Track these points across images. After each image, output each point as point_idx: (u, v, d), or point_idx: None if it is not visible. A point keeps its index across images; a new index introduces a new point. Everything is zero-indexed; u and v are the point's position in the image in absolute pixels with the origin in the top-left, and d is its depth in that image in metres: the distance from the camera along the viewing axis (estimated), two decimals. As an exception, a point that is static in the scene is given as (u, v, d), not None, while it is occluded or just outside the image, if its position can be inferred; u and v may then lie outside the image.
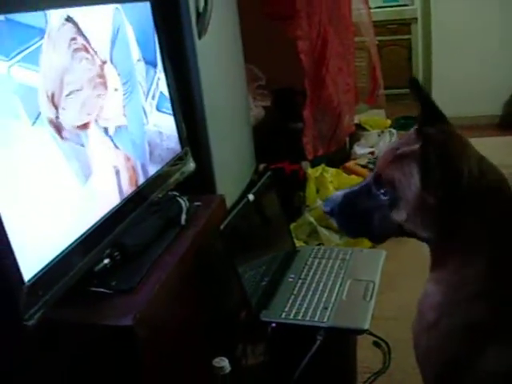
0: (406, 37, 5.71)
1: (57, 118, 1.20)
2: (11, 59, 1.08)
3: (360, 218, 1.19)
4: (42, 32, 1.17)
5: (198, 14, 1.93)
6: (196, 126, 1.99)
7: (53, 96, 1.20)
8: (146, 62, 1.64)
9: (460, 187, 1.02)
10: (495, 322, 1.05)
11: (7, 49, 1.07)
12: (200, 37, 1.94)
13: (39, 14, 1.17)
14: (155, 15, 1.69)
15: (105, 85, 1.41)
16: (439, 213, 1.05)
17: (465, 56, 4.66)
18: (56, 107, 1.20)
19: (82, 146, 1.31)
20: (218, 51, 2.19)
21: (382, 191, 1.12)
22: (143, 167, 1.60)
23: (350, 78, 3.33)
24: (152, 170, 1.65)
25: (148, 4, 1.66)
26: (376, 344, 2.06)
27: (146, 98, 1.64)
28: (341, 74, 3.13)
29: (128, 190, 1.50)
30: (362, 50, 3.98)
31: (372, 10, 4.64)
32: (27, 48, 1.12)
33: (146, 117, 1.64)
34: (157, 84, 1.70)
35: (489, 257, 1.05)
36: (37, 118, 1.14)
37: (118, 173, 1.46)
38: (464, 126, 4.58)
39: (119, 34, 1.49)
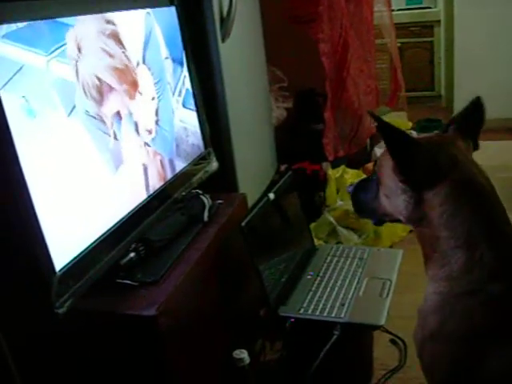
0: (429, 39, 5.69)
1: (92, 110, 1.29)
2: (50, 54, 1.16)
3: (362, 199, 1.38)
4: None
5: (222, 18, 1.98)
6: (219, 126, 2.03)
7: (88, 89, 1.28)
8: (173, 60, 1.71)
9: (420, 174, 1.11)
10: (496, 323, 1.07)
11: (46, 44, 1.15)
12: (224, 40, 1.98)
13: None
14: (180, 19, 1.75)
15: (137, 84, 1.48)
16: (407, 197, 1.16)
17: (488, 59, 4.65)
18: (92, 100, 1.29)
19: (116, 138, 1.38)
20: (240, 54, 2.23)
21: (375, 176, 1.28)
22: (170, 162, 1.67)
23: (371, 80, 3.35)
24: (178, 164, 1.72)
25: (173, 9, 1.72)
26: (393, 342, 2.09)
27: (173, 95, 1.71)
28: (362, 76, 3.15)
29: (155, 186, 1.57)
30: (384, 52, 3.99)
31: (395, 13, 4.65)
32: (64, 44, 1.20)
33: (173, 113, 1.70)
34: (183, 81, 1.77)
35: (468, 250, 1.08)
36: (72, 110, 1.22)
37: (146, 169, 1.53)
38: (486, 128, 4.60)
39: (151, 36, 1.57)
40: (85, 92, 1.26)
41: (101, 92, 1.32)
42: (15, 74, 1.07)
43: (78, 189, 1.24)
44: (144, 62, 1.53)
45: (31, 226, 1.08)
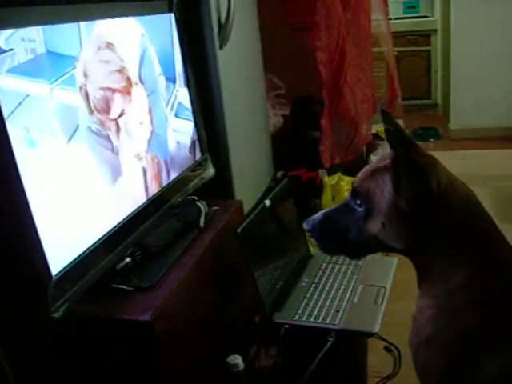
0: (426, 48, 5.74)
1: (94, 126, 1.31)
2: (52, 83, 1.18)
3: (337, 234, 1.22)
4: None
5: (220, 25, 1.99)
6: (216, 133, 2.04)
7: (97, 104, 1.31)
8: (166, 78, 1.72)
9: (430, 193, 1.07)
10: (490, 329, 1.08)
11: (49, 75, 1.18)
12: (221, 47, 1.99)
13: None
14: (178, 26, 1.76)
15: (131, 85, 1.50)
16: (412, 220, 1.10)
17: (484, 68, 4.68)
18: (99, 113, 1.32)
19: (115, 151, 1.41)
20: (238, 61, 2.24)
21: (358, 203, 1.16)
22: (166, 167, 1.68)
23: (367, 88, 3.36)
24: (174, 170, 1.72)
25: (171, 15, 1.74)
26: (387, 349, 2.09)
27: (166, 106, 1.72)
28: (359, 84, 3.16)
29: (152, 191, 1.58)
30: (381, 61, 4.01)
31: (392, 21, 4.67)
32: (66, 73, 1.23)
33: (167, 120, 1.72)
34: (175, 96, 1.78)
35: (468, 266, 1.09)
36: (74, 133, 1.25)
37: (144, 173, 1.55)
38: (482, 137, 4.64)
39: (146, 54, 1.59)
40: (92, 108, 1.30)
41: (106, 100, 1.36)
42: (19, 105, 1.08)
43: (75, 195, 1.25)
44: (140, 78, 1.55)
45: (28, 231, 1.09)
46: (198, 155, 1.89)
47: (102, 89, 1.35)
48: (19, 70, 1.09)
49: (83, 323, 1.30)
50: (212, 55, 1.97)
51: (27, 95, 1.10)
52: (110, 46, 1.40)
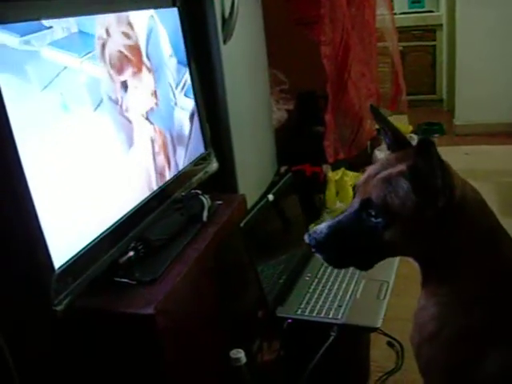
0: (431, 43, 5.71)
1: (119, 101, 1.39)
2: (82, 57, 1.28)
3: (348, 246, 1.15)
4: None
5: (224, 20, 1.99)
6: (220, 127, 2.04)
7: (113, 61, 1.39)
8: (178, 61, 1.74)
9: (454, 197, 1.04)
10: (493, 326, 1.08)
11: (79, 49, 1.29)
12: (225, 42, 1.99)
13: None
14: (182, 21, 1.76)
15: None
16: (434, 227, 1.07)
17: (489, 63, 4.66)
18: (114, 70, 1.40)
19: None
20: (242, 56, 2.24)
21: (373, 214, 1.09)
22: (172, 142, 1.70)
23: (372, 84, 3.35)
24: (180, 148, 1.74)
25: (175, 10, 1.73)
26: (390, 344, 2.10)
27: (176, 88, 1.74)
28: (363, 79, 3.16)
29: (155, 185, 1.58)
30: (386, 56, 3.99)
31: (397, 16, 4.67)
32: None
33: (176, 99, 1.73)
34: (186, 79, 1.80)
35: (475, 265, 1.09)
36: (98, 105, 1.31)
37: (153, 144, 1.58)
38: (487, 132, 4.62)
39: (152, 34, 1.60)
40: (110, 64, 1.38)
41: (121, 61, 1.43)
42: (58, 74, 1.20)
43: (79, 188, 1.25)
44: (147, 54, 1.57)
45: (31, 224, 1.09)
46: (203, 148, 1.89)
47: (119, 52, 1.42)
48: (57, 44, 1.21)
49: (86, 317, 1.31)
50: (216, 50, 1.97)
51: (65, 67, 1.23)
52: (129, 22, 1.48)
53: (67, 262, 1.18)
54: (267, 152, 2.66)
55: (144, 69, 1.55)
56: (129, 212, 1.43)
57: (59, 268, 1.15)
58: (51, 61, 1.19)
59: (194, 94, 1.84)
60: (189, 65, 1.81)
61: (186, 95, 1.79)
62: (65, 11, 1.25)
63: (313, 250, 1.18)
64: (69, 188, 1.21)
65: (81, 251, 1.23)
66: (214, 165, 1.91)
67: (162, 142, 1.64)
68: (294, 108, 3.13)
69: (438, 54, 5.70)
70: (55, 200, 1.16)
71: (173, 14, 1.73)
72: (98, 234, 1.29)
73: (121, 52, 1.45)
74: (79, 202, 1.25)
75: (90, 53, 1.31)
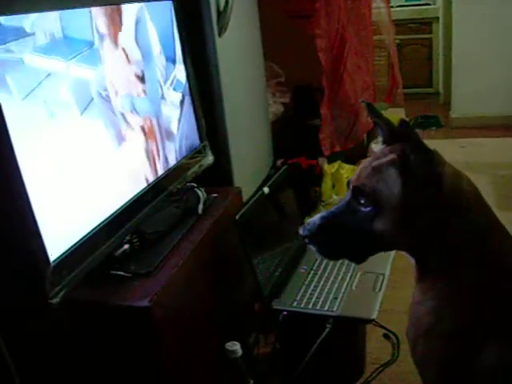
0: (427, 36, 5.71)
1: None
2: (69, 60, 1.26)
3: (340, 237, 1.15)
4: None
5: (219, 12, 1.99)
6: (215, 120, 2.04)
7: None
8: (167, 59, 1.72)
9: (442, 186, 1.05)
10: (490, 321, 1.09)
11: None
12: (220, 34, 1.99)
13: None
14: (177, 13, 1.76)
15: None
16: (423, 217, 1.07)
17: (485, 56, 4.66)
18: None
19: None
20: (237, 48, 2.24)
21: (363, 202, 1.09)
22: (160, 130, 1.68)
23: (368, 77, 3.36)
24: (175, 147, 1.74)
25: (170, 3, 1.73)
26: (386, 336, 2.11)
27: (165, 84, 1.73)
28: (359, 72, 3.16)
29: (150, 178, 1.58)
30: (382, 49, 4.00)
31: (394, 9, 4.66)
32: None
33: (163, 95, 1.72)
34: (174, 75, 1.78)
35: (472, 260, 1.09)
36: (86, 108, 1.30)
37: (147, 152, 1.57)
38: (483, 125, 4.63)
39: (141, 23, 1.59)
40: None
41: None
42: (42, 81, 1.17)
43: (74, 180, 1.25)
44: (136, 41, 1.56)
45: (26, 217, 1.09)
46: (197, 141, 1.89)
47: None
48: (41, 50, 1.18)
49: (82, 309, 1.31)
50: (211, 43, 1.97)
51: (50, 73, 1.20)
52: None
53: (62, 254, 1.17)
54: (263, 145, 2.66)
55: (134, 61, 1.55)
56: (124, 205, 1.42)
57: (54, 261, 1.15)
58: (35, 67, 1.17)
59: (189, 87, 1.84)
60: (184, 57, 1.80)
61: (174, 89, 1.79)
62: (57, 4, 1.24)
63: (306, 241, 1.19)
64: (63, 181, 1.21)
65: (76, 244, 1.22)
66: (209, 158, 1.91)
67: (154, 134, 1.63)
68: (290, 101, 3.13)
69: (435, 47, 5.70)
70: (50, 193, 1.16)
71: (164, 8, 1.73)
72: (94, 227, 1.29)
73: (115, 47, 1.44)
74: (74, 195, 1.24)
75: (78, 55, 1.29)
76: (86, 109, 1.30)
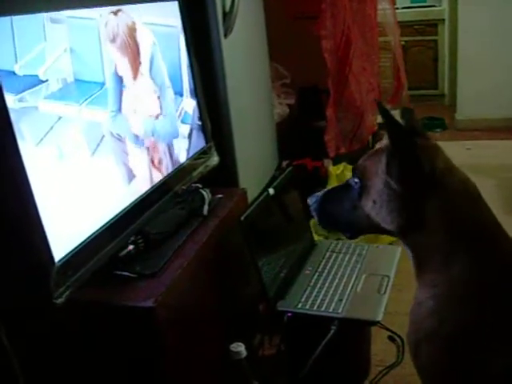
0: (433, 38, 5.70)
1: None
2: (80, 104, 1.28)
3: (335, 210, 1.29)
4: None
5: (225, 14, 1.99)
6: (221, 121, 2.04)
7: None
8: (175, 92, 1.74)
9: (421, 174, 1.09)
10: (493, 319, 1.07)
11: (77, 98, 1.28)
12: (226, 35, 1.99)
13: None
14: (183, 14, 1.76)
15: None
16: (403, 201, 1.13)
17: (491, 58, 4.65)
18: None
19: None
20: (243, 50, 2.24)
21: (356, 180, 1.21)
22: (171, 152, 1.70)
23: (373, 78, 3.35)
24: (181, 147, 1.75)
25: (176, 3, 1.73)
26: (390, 338, 2.10)
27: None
28: (364, 73, 3.16)
29: (155, 179, 1.58)
30: (387, 51, 3.99)
31: (399, 11, 4.65)
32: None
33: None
34: (182, 108, 1.79)
35: (467, 255, 1.09)
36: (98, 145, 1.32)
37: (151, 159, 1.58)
38: (489, 127, 4.62)
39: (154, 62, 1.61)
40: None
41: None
42: (53, 125, 1.18)
43: (79, 180, 1.25)
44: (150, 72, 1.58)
45: (31, 217, 1.09)
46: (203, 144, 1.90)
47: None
48: (53, 96, 1.20)
49: (86, 309, 1.31)
50: (216, 44, 1.97)
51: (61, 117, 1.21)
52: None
53: (67, 254, 1.18)
54: (268, 146, 2.66)
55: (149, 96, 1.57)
56: (129, 206, 1.42)
57: (59, 261, 1.15)
58: (47, 113, 1.18)
59: (195, 89, 1.84)
60: (189, 58, 1.80)
61: (182, 122, 1.80)
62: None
63: (311, 209, 1.35)
64: (69, 182, 1.21)
65: (81, 244, 1.22)
66: (214, 159, 1.91)
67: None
68: (296, 102, 3.13)
69: (440, 49, 5.70)
70: (55, 194, 1.16)
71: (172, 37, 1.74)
72: (99, 228, 1.29)
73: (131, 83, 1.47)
74: (80, 196, 1.25)
75: (89, 97, 1.31)
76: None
